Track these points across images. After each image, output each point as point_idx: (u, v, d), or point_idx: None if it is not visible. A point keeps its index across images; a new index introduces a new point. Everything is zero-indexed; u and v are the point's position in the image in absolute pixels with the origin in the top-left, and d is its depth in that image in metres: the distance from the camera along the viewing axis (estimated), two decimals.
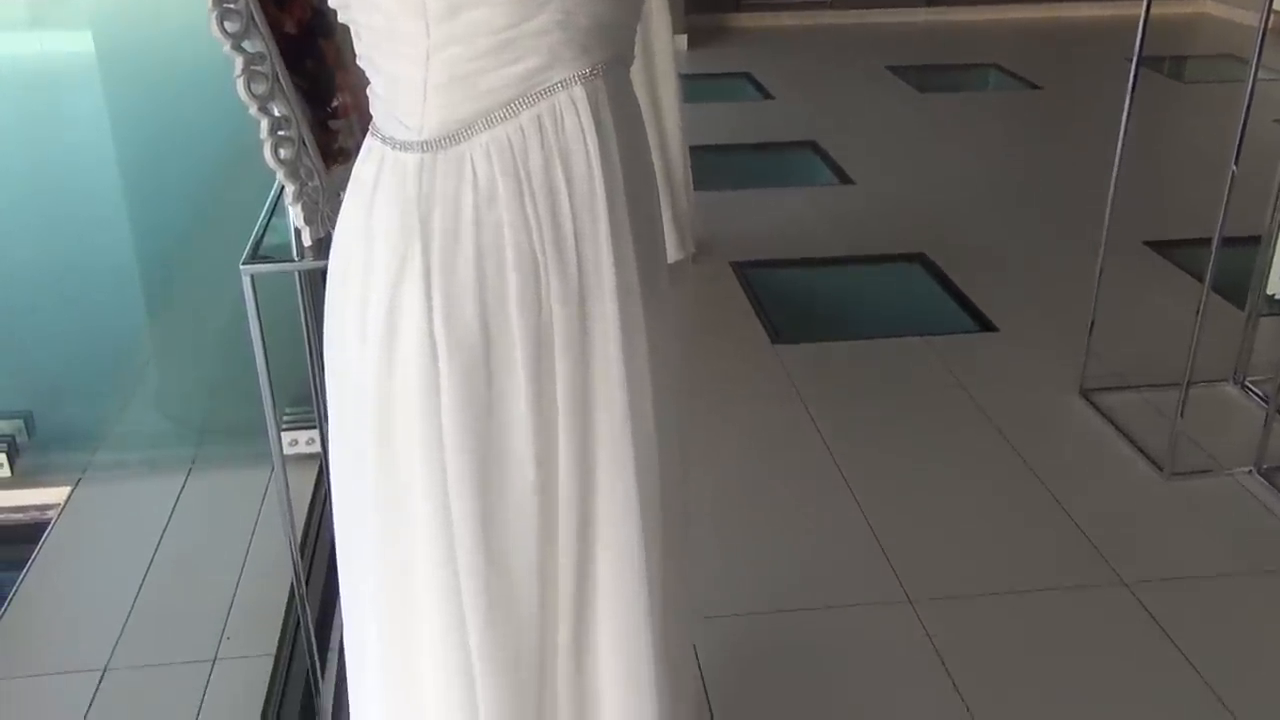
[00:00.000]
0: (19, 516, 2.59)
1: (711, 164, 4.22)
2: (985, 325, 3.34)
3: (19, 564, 2.34)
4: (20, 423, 2.75)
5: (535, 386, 1.11)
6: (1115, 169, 2.71)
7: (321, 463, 2.49)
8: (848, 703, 1.97)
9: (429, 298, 1.07)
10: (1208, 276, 2.53)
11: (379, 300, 1.10)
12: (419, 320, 1.08)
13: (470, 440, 1.11)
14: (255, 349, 1.58)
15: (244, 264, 1.52)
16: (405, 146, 1.08)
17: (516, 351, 1.10)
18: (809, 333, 3.32)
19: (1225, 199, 2.47)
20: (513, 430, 1.12)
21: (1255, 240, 2.84)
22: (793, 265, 3.80)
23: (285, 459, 1.74)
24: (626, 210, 1.11)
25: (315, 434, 2.54)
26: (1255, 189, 2.57)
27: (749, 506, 2.52)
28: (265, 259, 1.55)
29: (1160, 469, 2.61)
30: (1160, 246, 3.75)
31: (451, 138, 1.06)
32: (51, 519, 2.48)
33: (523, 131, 1.05)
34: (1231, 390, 2.96)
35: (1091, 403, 2.89)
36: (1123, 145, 2.70)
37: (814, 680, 2.02)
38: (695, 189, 3.68)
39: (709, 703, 1.95)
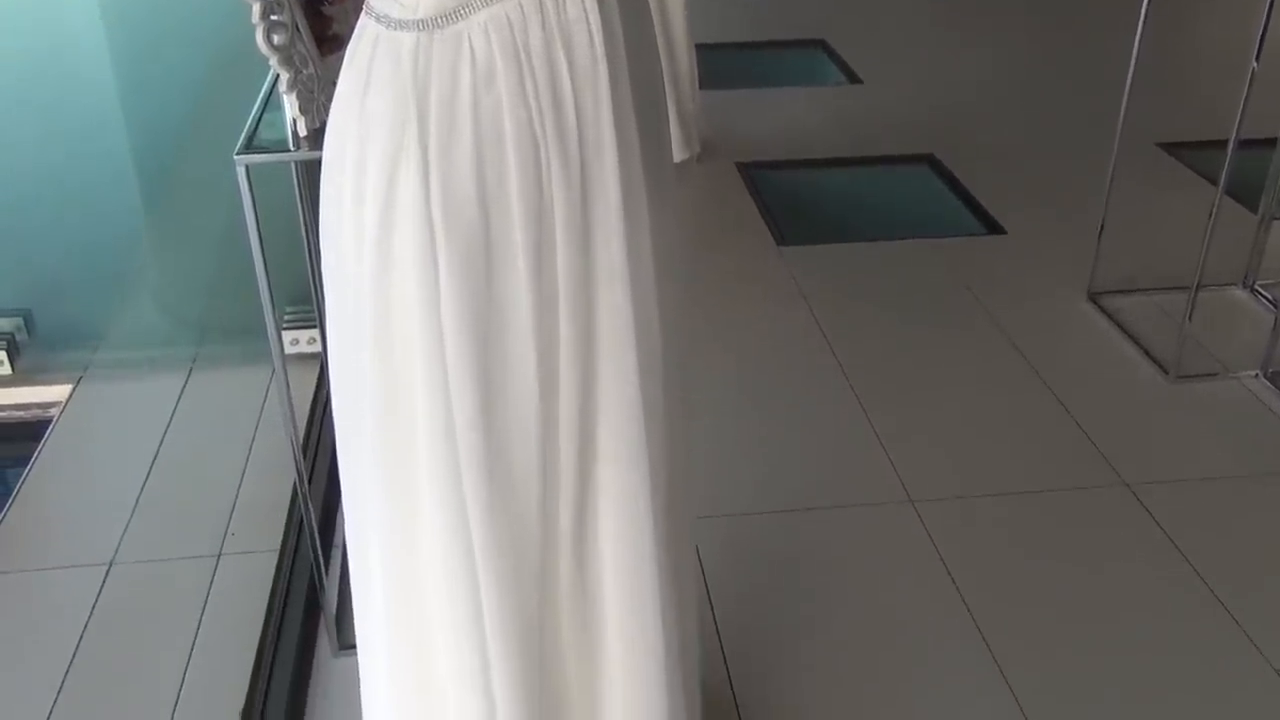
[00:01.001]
0: (21, 414, 2.59)
1: (718, 63, 4.13)
2: (993, 228, 3.30)
3: (22, 461, 2.35)
4: (20, 320, 2.74)
5: (536, 274, 1.08)
6: (1131, 68, 2.65)
7: (322, 361, 2.48)
8: (848, 602, 1.98)
9: (426, 181, 1.04)
10: (1222, 179, 2.49)
11: (375, 185, 1.07)
12: (416, 204, 1.05)
13: (470, 329, 1.09)
14: (252, 244, 1.56)
15: (238, 155, 1.49)
16: (400, 25, 1.04)
17: (517, 235, 1.07)
18: (815, 235, 3.28)
19: (1244, 99, 2.42)
20: (513, 318, 1.10)
21: (1271, 143, 2.79)
22: (799, 166, 3.75)
23: (286, 358, 1.72)
24: (631, 95, 1.08)
25: (316, 333, 2.52)
26: (1274, 90, 2.51)
27: (751, 407, 2.51)
28: (260, 150, 1.51)
29: (1166, 372, 2.59)
30: (1174, 148, 3.69)
31: (449, 16, 1.02)
32: (54, 417, 2.49)
33: (522, 9, 1.01)
34: (1241, 294, 2.93)
35: (1099, 306, 2.86)
36: (1139, 44, 2.63)
37: (814, 580, 2.03)
38: (701, 88, 3.61)
39: (710, 601, 1.97)
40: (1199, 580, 2.02)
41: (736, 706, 1.78)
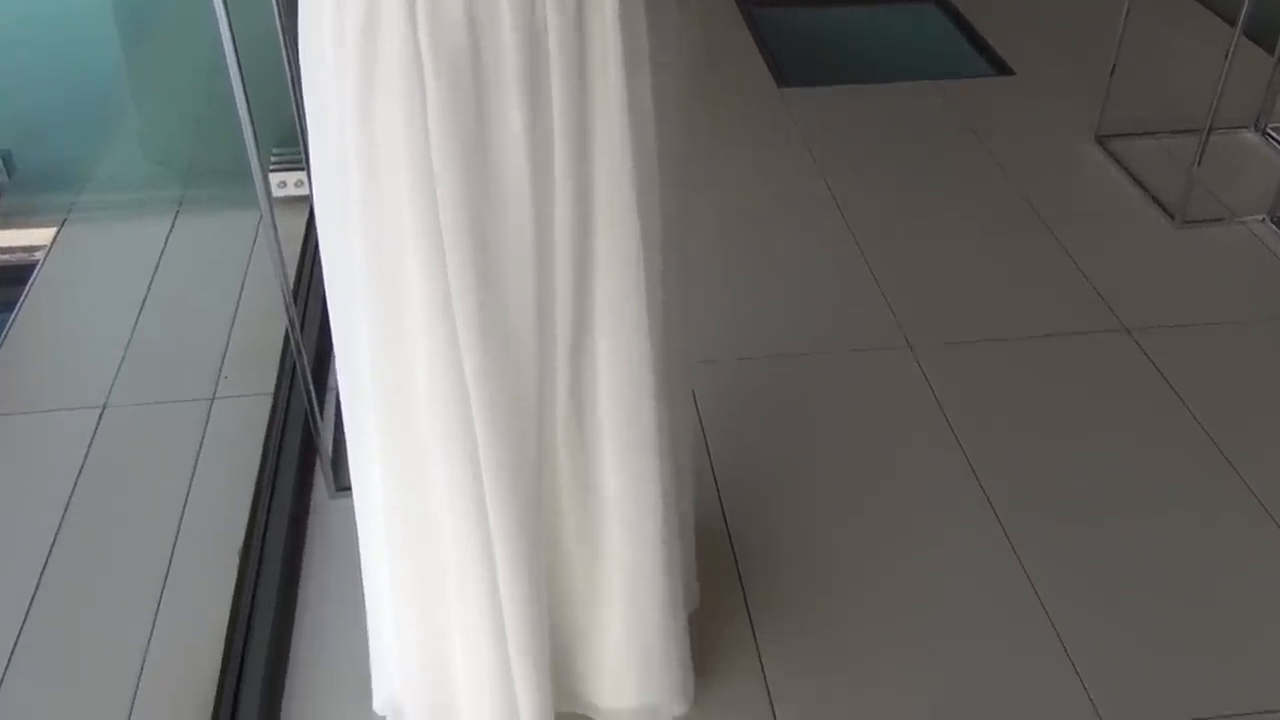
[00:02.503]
0: (5, 258, 2.55)
1: None
2: (1001, 69, 3.21)
3: (9, 306, 2.32)
4: None
5: (530, 102, 1.03)
6: None
7: (312, 204, 2.43)
8: (844, 445, 1.98)
9: (412, 2, 0.98)
10: (1240, 18, 2.39)
11: (356, 5, 1.00)
12: (401, 28, 0.98)
13: (460, 162, 1.04)
14: (231, 77, 1.49)
15: None
16: None
17: (509, 61, 1.01)
18: (816, 76, 3.18)
19: None
20: (506, 150, 1.05)
21: None
22: (801, 4, 3.62)
23: (274, 201, 1.68)
24: None
25: (304, 175, 2.46)
26: None
27: (750, 252, 2.47)
28: None
29: (1172, 217, 2.55)
30: None
31: None
32: (39, 260, 2.44)
33: None
34: (1252, 137, 2.86)
35: (1107, 149, 2.79)
36: None
37: (810, 423, 2.03)
38: None
39: (706, 444, 1.97)
40: (1195, 422, 2.01)
41: (730, 543, 1.79)
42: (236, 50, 1.46)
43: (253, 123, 1.56)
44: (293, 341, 1.80)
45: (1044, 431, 2.01)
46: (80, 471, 1.93)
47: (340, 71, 1.05)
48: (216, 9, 1.43)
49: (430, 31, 0.99)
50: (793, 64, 3.23)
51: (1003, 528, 1.82)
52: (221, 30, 1.44)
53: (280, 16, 1.82)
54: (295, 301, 1.88)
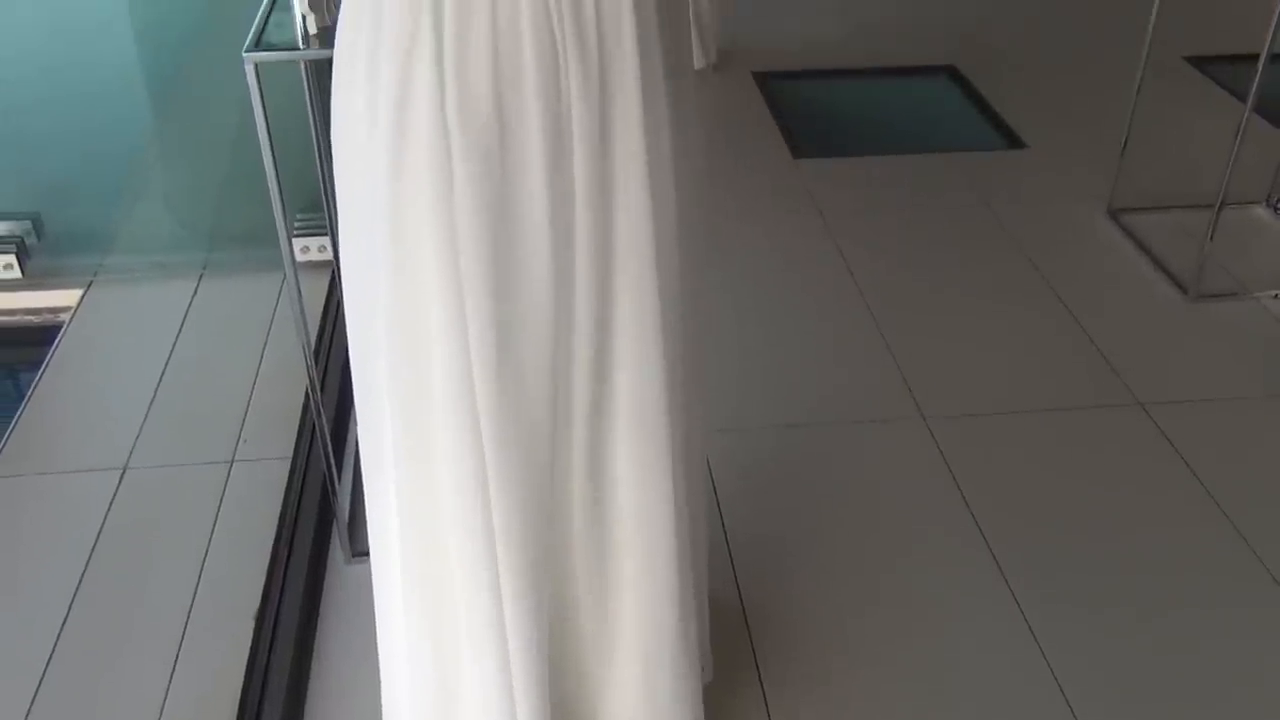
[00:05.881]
0: (32, 319, 2.59)
1: None
2: (1014, 142, 3.25)
3: (34, 365, 2.35)
4: (29, 224, 2.72)
5: (553, 173, 1.06)
6: None
7: (334, 270, 2.47)
8: (858, 516, 1.99)
9: (441, 77, 1.01)
10: (1251, 95, 2.43)
11: (388, 82, 1.03)
12: (430, 101, 1.02)
13: (484, 228, 1.06)
14: (262, 146, 1.53)
15: (246, 53, 1.45)
16: None
17: (533, 134, 1.04)
18: (831, 147, 3.23)
19: (1276, 14, 2.34)
20: (528, 219, 1.08)
21: None
22: (817, 77, 3.68)
23: (297, 266, 1.71)
24: (654, 7, 1.04)
25: (327, 241, 2.50)
26: None
27: (765, 320, 2.49)
28: (270, 48, 1.48)
29: (1185, 291, 2.56)
30: (1201, 62, 3.61)
31: None
32: (65, 321, 2.48)
33: None
34: (1263, 213, 2.89)
35: (1119, 223, 2.82)
36: None
37: (824, 494, 2.03)
38: None
39: (720, 513, 1.97)
40: (1209, 499, 2.01)
41: (745, 617, 1.79)
42: (267, 120, 1.50)
43: (280, 189, 1.59)
44: (313, 403, 1.82)
45: (1058, 505, 2.01)
46: (99, 533, 1.94)
47: (370, 147, 1.08)
48: (249, 79, 1.47)
49: (459, 111, 1.02)
50: (808, 135, 3.28)
51: (1016, 602, 1.81)
52: (253, 100, 1.48)
53: (309, 86, 1.87)
54: (315, 364, 1.90)
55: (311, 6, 1.42)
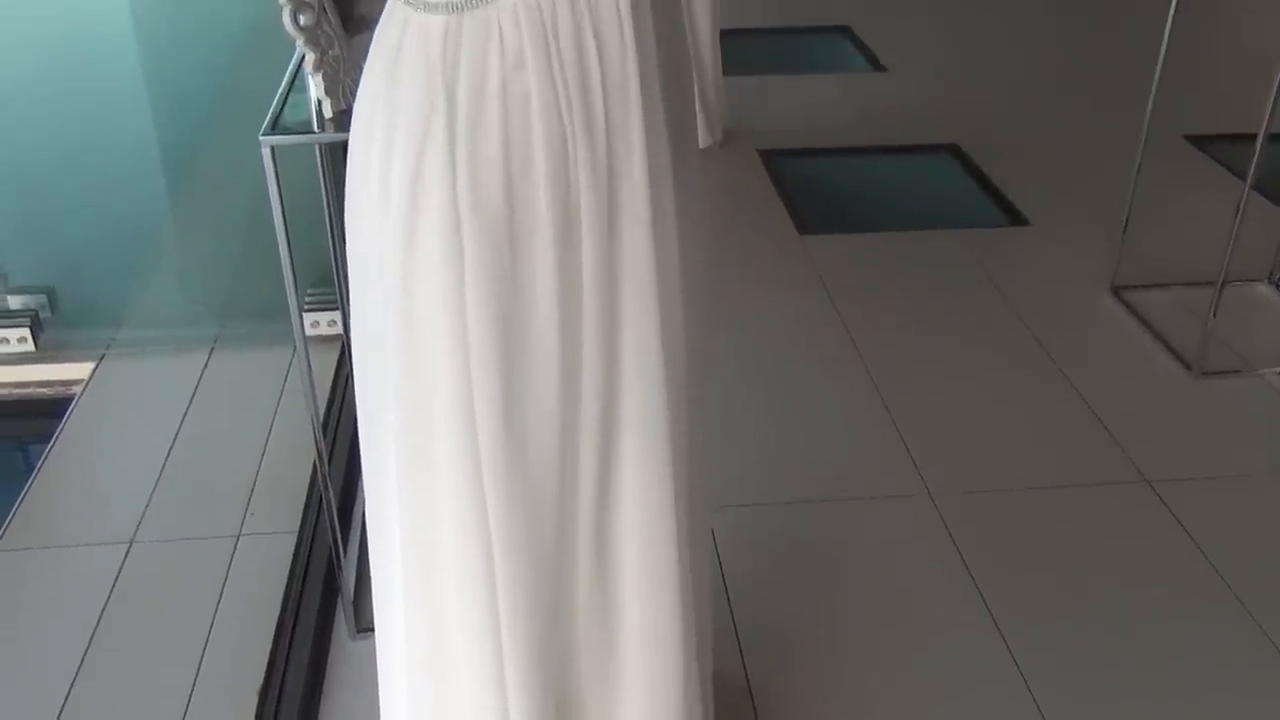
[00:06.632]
0: (44, 391, 2.61)
1: (741, 48, 4.12)
2: (1017, 219, 3.28)
3: (45, 437, 2.37)
4: (44, 298, 2.75)
5: (561, 260, 1.08)
6: (1160, 59, 2.62)
7: (343, 344, 2.49)
8: (864, 593, 1.98)
9: (453, 166, 1.04)
10: (1250, 174, 2.46)
11: (401, 168, 1.06)
12: (442, 189, 1.05)
13: (493, 314, 1.08)
14: (276, 225, 1.56)
15: (263, 136, 1.49)
16: (430, 8, 1.03)
17: (542, 223, 1.06)
18: (836, 224, 3.27)
19: (1273, 93, 2.39)
20: (537, 304, 1.10)
21: None
22: (822, 154, 3.73)
23: (307, 340, 1.73)
24: (658, 81, 1.07)
25: (337, 315, 2.53)
26: None
27: (770, 396, 2.50)
28: (286, 131, 1.51)
29: (1189, 368, 2.57)
30: (1201, 141, 3.65)
31: (478, 0, 1.01)
32: (76, 394, 2.50)
33: None
34: (1266, 290, 2.91)
35: (1122, 300, 2.84)
36: (1168, 35, 2.60)
37: (830, 571, 2.03)
38: (724, 73, 3.60)
39: (726, 591, 1.97)
40: (1215, 574, 2.00)
41: (751, 697, 1.78)
42: (282, 201, 1.53)
43: (293, 267, 1.62)
44: (320, 476, 1.83)
45: (1064, 582, 2.00)
46: (104, 607, 1.94)
47: (384, 224, 1.10)
48: (265, 162, 1.50)
49: (469, 194, 1.05)
50: (813, 212, 3.32)
51: (1024, 679, 1.80)
52: (269, 182, 1.51)
53: (323, 165, 1.91)
54: (324, 436, 1.91)
55: (328, 91, 1.46)
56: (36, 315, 2.67)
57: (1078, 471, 2.27)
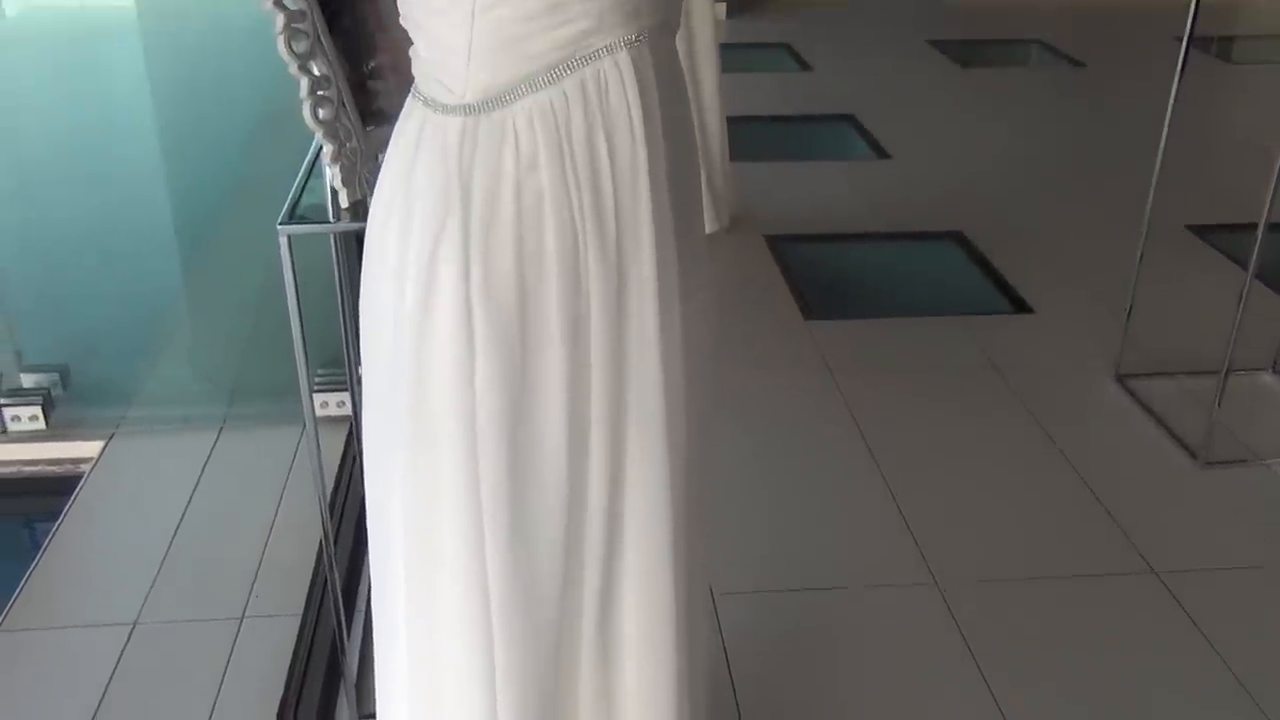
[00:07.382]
0: (53, 469, 2.62)
1: (748, 135, 4.19)
2: (1021, 307, 3.31)
3: (52, 516, 2.37)
4: (56, 376, 2.78)
5: (570, 352, 1.10)
6: (1160, 150, 2.67)
7: (351, 425, 2.50)
8: (869, 684, 1.96)
9: (466, 261, 1.07)
10: (1251, 263, 2.49)
11: (417, 260, 1.09)
12: (455, 283, 1.07)
13: (502, 404, 1.10)
14: (290, 311, 1.58)
15: (281, 224, 1.52)
16: (447, 110, 1.07)
17: (552, 317, 1.09)
18: (842, 310, 3.30)
19: (1273, 183, 2.42)
20: (545, 395, 1.11)
21: None
22: (827, 240, 3.77)
23: (316, 420, 1.74)
24: (667, 175, 1.10)
25: (346, 396, 2.54)
26: None
27: (776, 483, 2.51)
28: (302, 220, 1.54)
29: (1195, 457, 2.57)
30: (1203, 231, 3.69)
31: (494, 102, 1.04)
32: (85, 472, 2.51)
33: (566, 97, 1.04)
34: (1270, 379, 2.92)
35: (1127, 389, 2.85)
36: (1169, 125, 2.65)
37: (834, 661, 2.01)
38: (731, 160, 3.66)
39: (730, 680, 1.95)
40: (1227, 670, 1.99)
41: None
42: (297, 289, 1.55)
43: (305, 351, 1.64)
44: (326, 557, 1.83)
45: (1072, 673, 1.98)
46: (106, 689, 1.93)
47: (397, 312, 1.13)
48: (282, 251, 1.53)
49: (482, 288, 1.07)
50: (819, 297, 3.35)
51: None
52: (284, 270, 1.54)
53: (336, 251, 1.94)
54: (330, 517, 1.92)
55: (344, 181, 1.49)
56: (49, 393, 2.69)
57: (1084, 561, 2.26)
